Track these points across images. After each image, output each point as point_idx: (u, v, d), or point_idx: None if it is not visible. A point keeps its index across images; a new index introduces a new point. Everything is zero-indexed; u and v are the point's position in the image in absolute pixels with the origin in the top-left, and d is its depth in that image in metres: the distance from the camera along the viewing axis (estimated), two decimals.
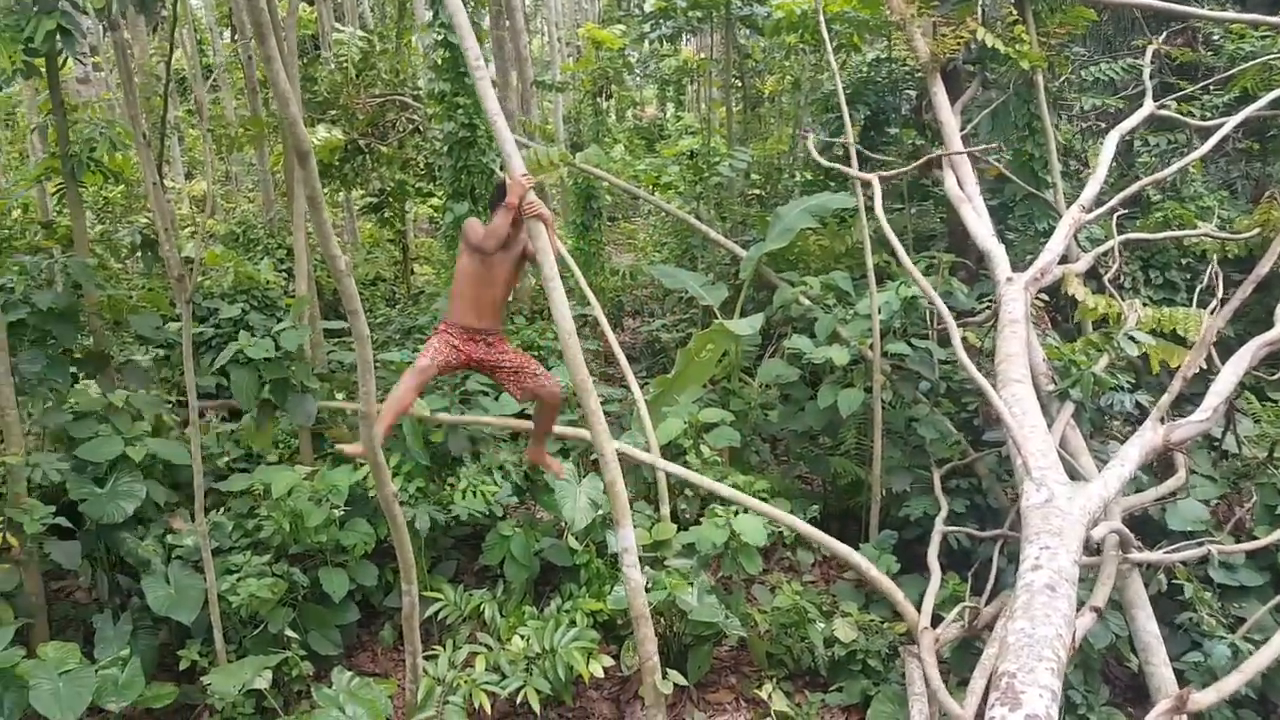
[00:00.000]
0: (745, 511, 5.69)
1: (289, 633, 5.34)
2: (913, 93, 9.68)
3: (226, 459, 6.77)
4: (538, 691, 4.82)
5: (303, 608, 5.61)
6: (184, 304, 5.15)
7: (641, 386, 7.05)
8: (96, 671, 4.72)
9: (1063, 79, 8.90)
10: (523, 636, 5.15)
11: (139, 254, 7.40)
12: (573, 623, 5.27)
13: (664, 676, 4.76)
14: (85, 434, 5.56)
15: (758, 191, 11.60)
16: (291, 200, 6.88)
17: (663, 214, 11.90)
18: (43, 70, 5.86)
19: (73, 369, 6.11)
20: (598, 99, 17.13)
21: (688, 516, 6.50)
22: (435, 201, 12.03)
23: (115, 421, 5.70)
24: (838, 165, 7.50)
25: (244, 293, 8.43)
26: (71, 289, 5.88)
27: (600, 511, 6.07)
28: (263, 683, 4.85)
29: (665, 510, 6.36)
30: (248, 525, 5.79)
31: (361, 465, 6.04)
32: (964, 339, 6.13)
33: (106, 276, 7.13)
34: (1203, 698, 4.37)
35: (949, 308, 6.39)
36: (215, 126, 12.87)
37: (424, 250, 14.38)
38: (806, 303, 7.29)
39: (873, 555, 5.64)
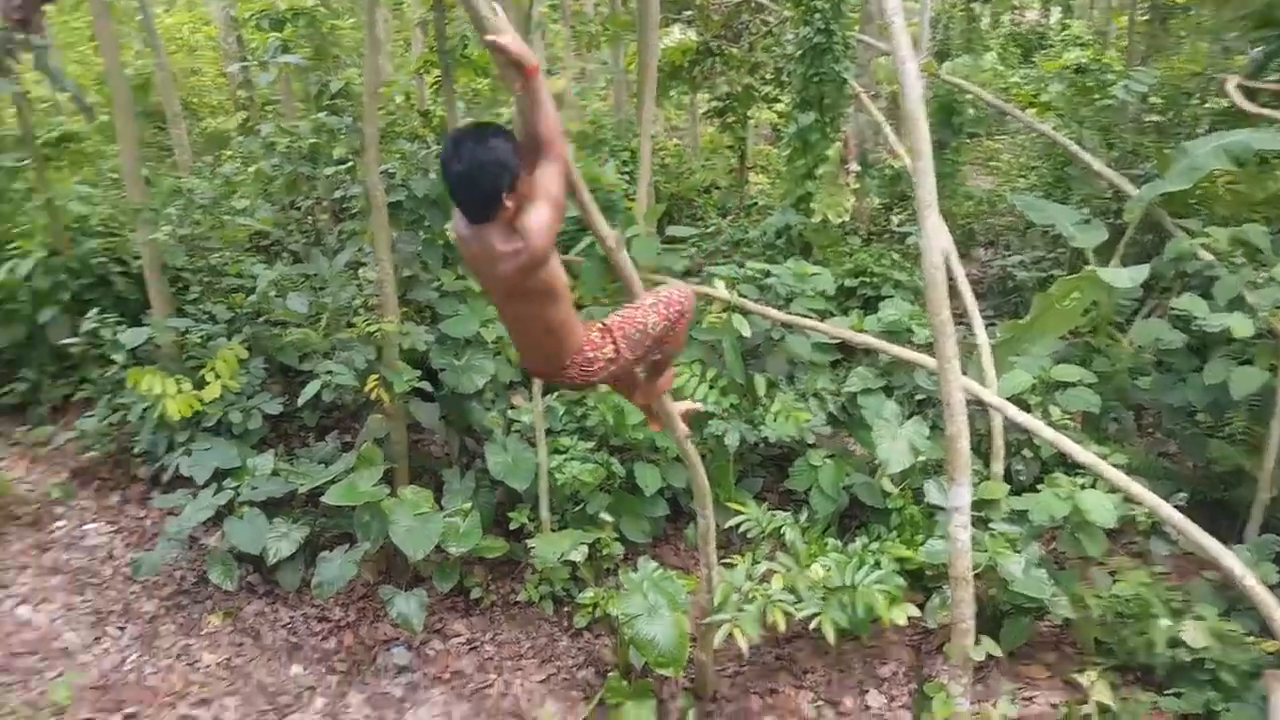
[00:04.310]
0: (1094, 486, 5.34)
1: (605, 515, 5.92)
2: None
3: None
4: (833, 622, 4.94)
5: (618, 495, 6.18)
6: None
7: (986, 328, 6.75)
8: (443, 518, 5.59)
9: None
10: (823, 567, 5.28)
11: None
12: (878, 564, 5.30)
13: (976, 643, 4.69)
14: (448, 312, 6.44)
15: (1156, 118, 10.33)
16: (641, 104, 7.25)
17: (1035, 135, 11.03)
18: None
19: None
20: (972, 2, 16.05)
21: (1023, 479, 6.22)
22: (780, 108, 12.07)
23: (472, 304, 6.53)
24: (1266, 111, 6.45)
25: (590, 192, 9.12)
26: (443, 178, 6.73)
27: (920, 458, 5.99)
28: (578, 555, 5.47)
29: (998, 468, 6.13)
30: (576, 413, 6.42)
31: (679, 374, 6.42)
32: None
33: None
34: None
35: None
36: (576, 24, 13.75)
37: (762, 158, 14.55)
38: (1208, 257, 6.48)
39: (1249, 560, 5.07)
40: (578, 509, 5.97)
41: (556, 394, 6.68)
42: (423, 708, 5.03)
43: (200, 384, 6.22)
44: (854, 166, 8.49)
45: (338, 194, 7.94)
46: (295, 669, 5.21)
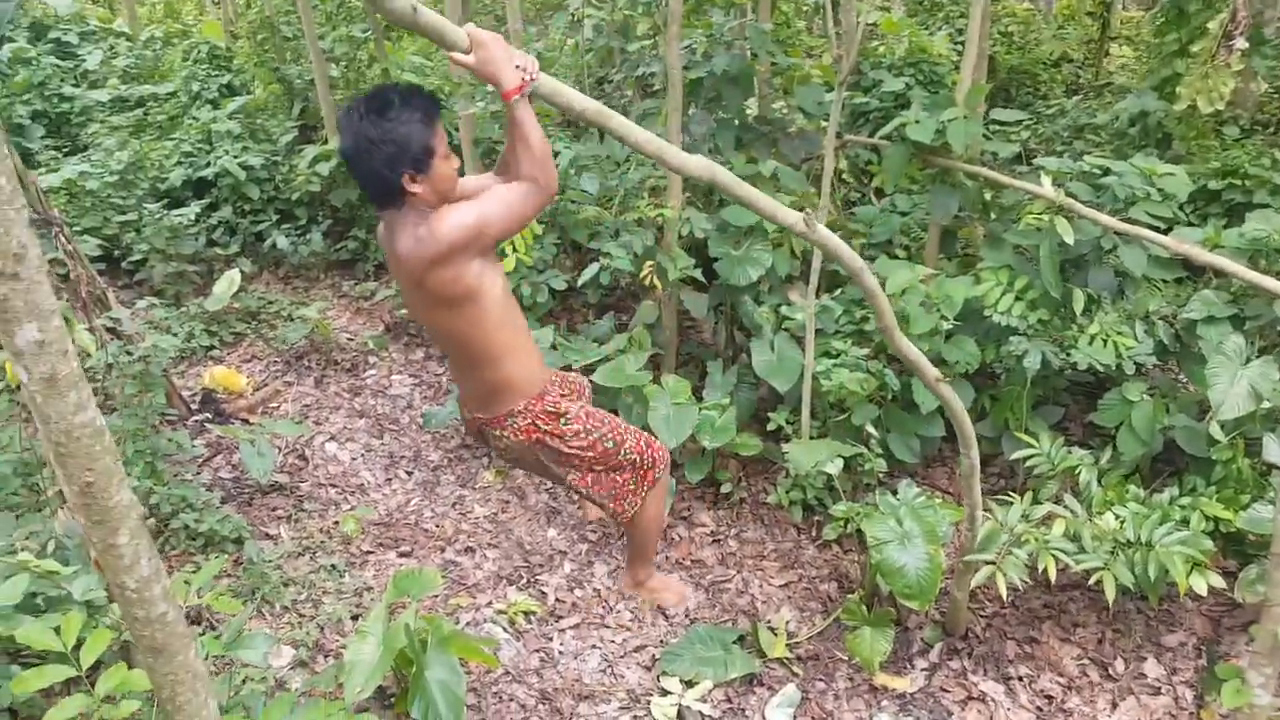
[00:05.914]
0: None
1: (870, 429, 5.71)
2: None
3: (862, 241, 7.17)
4: (1116, 579, 4.50)
5: (888, 409, 5.92)
6: (839, 84, 5.38)
7: None
8: (700, 410, 5.68)
9: None
10: (1118, 517, 4.78)
11: (819, 14, 7.84)
12: (1185, 522, 4.72)
13: None
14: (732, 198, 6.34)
15: None
16: None
17: None
18: None
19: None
20: None
21: None
22: None
23: (763, 189, 6.37)
24: None
25: (913, 65, 8.46)
26: (749, 54, 6.51)
27: (1264, 405, 5.15)
28: (834, 468, 5.33)
29: None
30: (855, 314, 6.16)
31: (983, 281, 5.94)
32: None
33: (787, 36, 7.71)
34: None
35: None
36: None
37: (1130, 27, 12.71)
38: None
39: None
40: (842, 418, 5.81)
41: (840, 290, 6.43)
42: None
43: (500, 255, 6.72)
44: (1240, 43, 7.17)
45: (639, 70, 8.01)
46: (551, 532, 5.65)
